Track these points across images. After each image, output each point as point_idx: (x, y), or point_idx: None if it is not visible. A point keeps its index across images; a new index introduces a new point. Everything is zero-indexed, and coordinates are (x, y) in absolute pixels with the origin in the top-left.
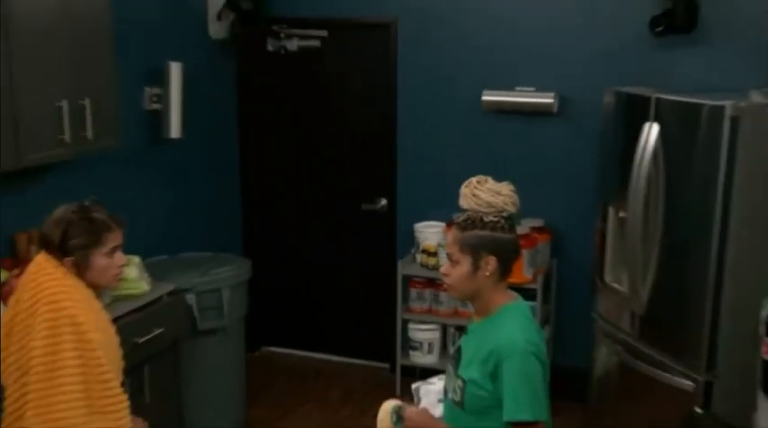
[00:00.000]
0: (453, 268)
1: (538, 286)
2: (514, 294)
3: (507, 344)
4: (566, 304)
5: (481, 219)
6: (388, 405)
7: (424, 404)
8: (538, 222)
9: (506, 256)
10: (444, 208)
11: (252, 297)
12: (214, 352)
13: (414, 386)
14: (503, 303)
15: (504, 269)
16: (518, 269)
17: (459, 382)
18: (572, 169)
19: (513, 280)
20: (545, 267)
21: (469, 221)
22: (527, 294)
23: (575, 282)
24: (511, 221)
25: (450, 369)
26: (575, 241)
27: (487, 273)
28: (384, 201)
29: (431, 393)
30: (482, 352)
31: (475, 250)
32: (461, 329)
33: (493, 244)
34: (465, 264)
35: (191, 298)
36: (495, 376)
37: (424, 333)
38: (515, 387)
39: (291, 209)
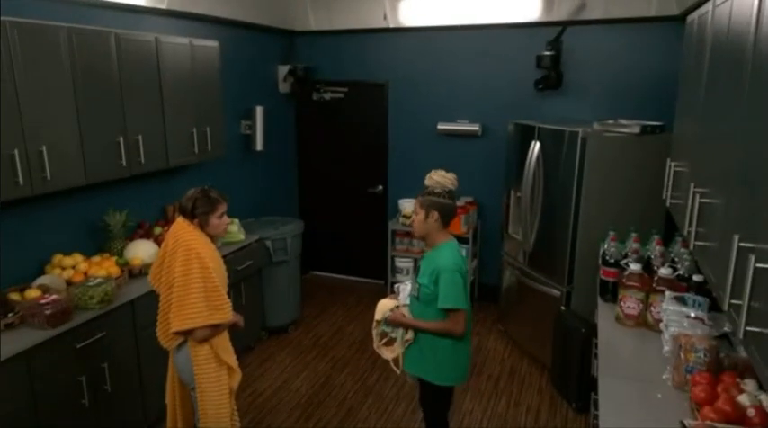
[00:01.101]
0: (416, 217)
1: (470, 236)
2: (450, 236)
3: (442, 264)
4: (486, 246)
5: (433, 191)
6: (389, 303)
7: (401, 297)
8: (470, 199)
9: (445, 213)
10: (417, 190)
11: (304, 242)
12: (282, 275)
13: (396, 285)
14: (442, 241)
15: (444, 220)
16: (458, 226)
17: (417, 285)
18: (490, 168)
19: (455, 232)
20: (474, 225)
21: (427, 192)
22: (464, 241)
23: (491, 234)
24: (451, 193)
25: (413, 277)
26: (492, 209)
27: (434, 220)
28: (380, 187)
29: (405, 289)
30: (429, 268)
31: (427, 207)
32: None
33: (438, 205)
34: (421, 215)
35: (268, 243)
36: (436, 282)
37: (403, 263)
38: (445, 289)
39: (325, 191)
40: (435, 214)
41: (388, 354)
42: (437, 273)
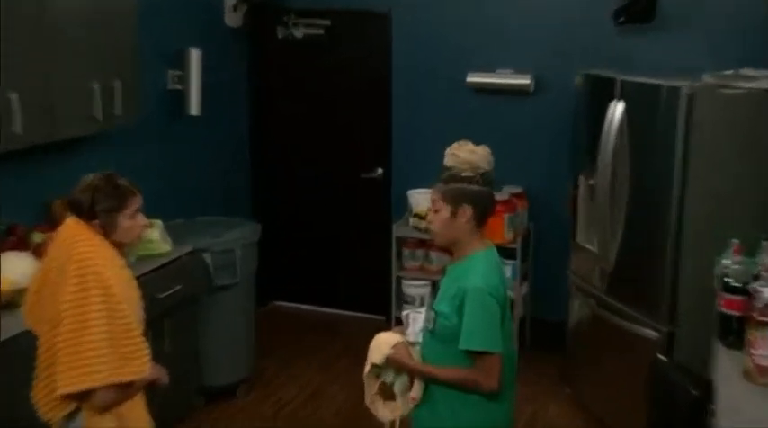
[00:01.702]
0: (436, 215)
1: (517, 246)
2: (488, 243)
3: (471, 283)
4: (542, 263)
5: (460, 175)
6: (390, 338)
7: (411, 331)
8: (517, 189)
9: (481, 206)
10: (435, 175)
11: (261, 256)
12: (228, 306)
13: (404, 313)
14: (475, 250)
15: (480, 218)
16: (499, 230)
17: (433, 313)
18: (547, 142)
19: (494, 240)
20: (523, 229)
21: (450, 176)
22: (507, 253)
23: (550, 243)
24: (487, 177)
25: (430, 302)
26: (550, 206)
27: (464, 220)
28: (380, 170)
29: (418, 320)
30: (452, 289)
31: (453, 199)
32: None
33: (469, 194)
34: (445, 212)
35: (207, 258)
36: (460, 310)
37: (416, 288)
38: (471, 321)
39: (297, 178)
40: (468, 209)
41: (386, 413)
42: (462, 296)
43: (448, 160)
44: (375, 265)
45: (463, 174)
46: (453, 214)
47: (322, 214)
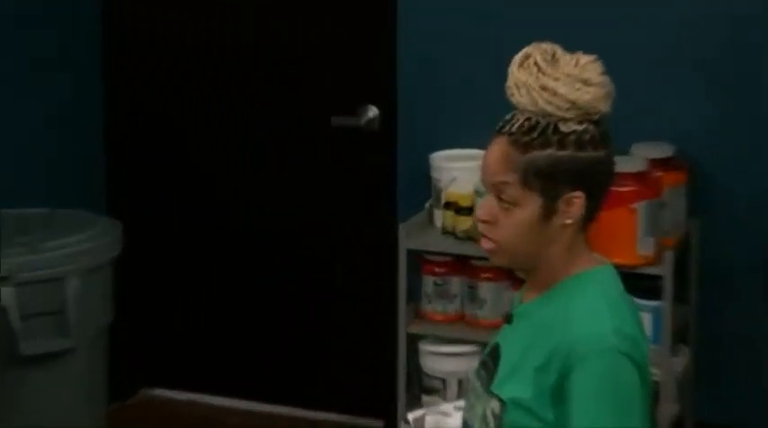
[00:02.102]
0: (507, 213)
1: (665, 271)
2: (597, 257)
3: (583, 338)
4: (718, 306)
5: (556, 127)
6: None
7: None
8: (662, 150)
9: (597, 190)
10: (487, 121)
11: (123, 294)
12: (51, 394)
13: (412, 416)
14: (577, 271)
15: (594, 209)
16: (624, 237)
17: (495, 405)
18: (725, 53)
19: (611, 257)
20: (678, 236)
21: (538, 131)
22: (643, 287)
23: (735, 264)
24: (603, 126)
25: (476, 384)
26: (732, 185)
27: (568, 220)
28: (374, 111)
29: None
30: (536, 351)
31: (550, 181)
32: None
33: (579, 169)
34: (530, 207)
35: (7, 295)
36: (559, 395)
37: (449, 361)
38: (594, 412)
39: (197, 136)
40: (578, 199)
41: None
42: (564, 365)
43: (525, 97)
44: (362, 311)
45: (563, 126)
46: (548, 211)
47: (249, 206)
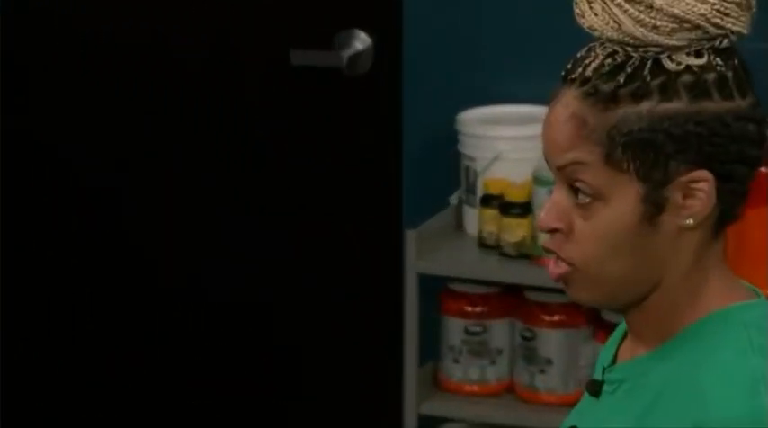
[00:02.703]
0: (587, 214)
1: None
2: (742, 283)
3: (730, 421)
4: None
5: (657, 64)
6: None
7: None
8: None
9: (737, 164)
10: (551, 58)
11: (15, 320)
12: None
13: None
14: (711, 308)
15: (733, 201)
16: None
17: None
18: None
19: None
20: None
21: (626, 72)
22: None
23: None
24: (737, 59)
25: None
26: None
27: (689, 220)
28: (363, 41)
29: None
30: None
31: (652, 155)
32: None
33: (702, 132)
34: (624, 201)
35: None
36: None
37: None
38: None
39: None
40: (706, 181)
41: None
42: None
43: (596, 14)
44: (351, 382)
45: (664, 59)
46: (652, 203)
47: (160, 206)
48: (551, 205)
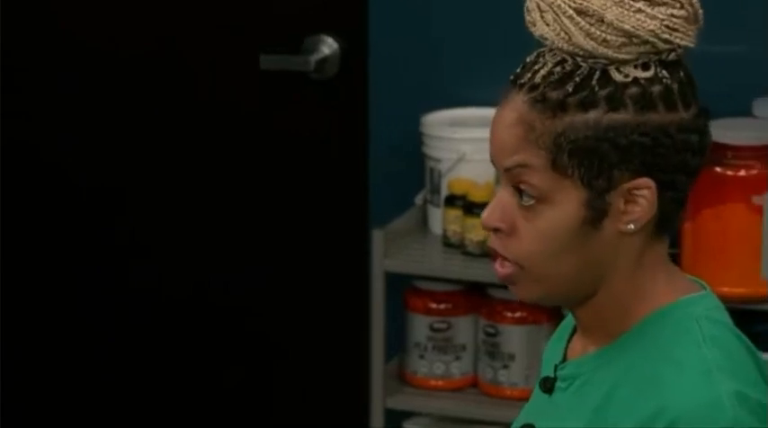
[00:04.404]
0: (532, 215)
1: None
2: (686, 278)
3: (688, 409)
4: None
5: (605, 75)
6: None
7: None
8: None
9: (678, 174)
10: (512, 62)
11: (16, 322)
12: None
13: None
14: (659, 304)
15: (672, 208)
16: (745, 256)
17: None
18: None
19: (727, 286)
20: None
21: (575, 81)
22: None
23: None
24: (683, 72)
25: None
26: None
27: (630, 226)
28: (330, 45)
29: None
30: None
31: (597, 163)
32: None
33: (646, 142)
34: (567, 204)
35: None
36: None
37: None
38: None
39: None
40: (648, 188)
41: None
42: None
43: (547, 24)
44: (318, 375)
45: (612, 70)
46: (596, 208)
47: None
48: (495, 205)
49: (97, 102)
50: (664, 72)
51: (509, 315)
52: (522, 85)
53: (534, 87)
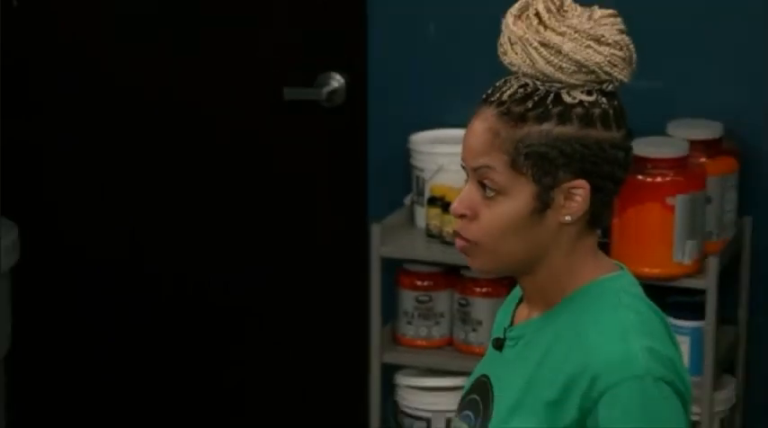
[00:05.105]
0: (490, 205)
1: (708, 283)
2: (610, 261)
3: (608, 364)
4: None
5: (558, 96)
6: None
7: None
8: (706, 130)
9: (607, 180)
10: (481, 93)
11: (22, 314)
12: None
13: None
14: (589, 278)
15: (601, 207)
16: (656, 241)
17: None
18: None
19: (646, 267)
20: (726, 239)
21: (533, 100)
22: (681, 301)
23: None
24: (617, 101)
25: (463, 424)
26: None
27: (567, 217)
28: (337, 80)
29: None
30: (545, 383)
31: (546, 165)
32: None
33: (585, 152)
34: (520, 197)
35: None
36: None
37: (433, 397)
38: None
39: (104, 128)
40: (582, 189)
41: None
42: (585, 396)
43: (520, 55)
44: (326, 337)
45: (567, 96)
46: (542, 203)
47: (177, 204)
48: (463, 196)
49: (129, 127)
50: (603, 99)
51: (477, 290)
52: (491, 102)
53: (501, 103)
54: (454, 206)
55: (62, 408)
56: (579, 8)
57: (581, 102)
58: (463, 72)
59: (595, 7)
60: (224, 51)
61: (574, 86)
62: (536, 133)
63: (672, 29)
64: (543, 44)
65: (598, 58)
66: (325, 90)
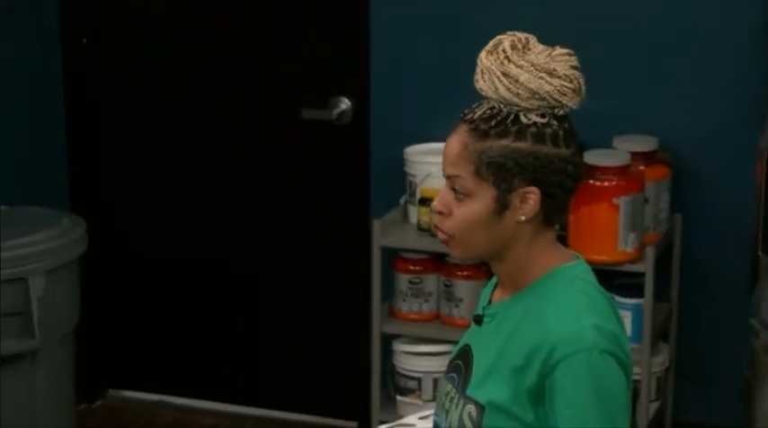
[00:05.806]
0: (460, 205)
1: (646, 268)
2: (568, 252)
3: (563, 337)
4: (700, 303)
5: (516, 117)
6: None
7: None
8: (644, 143)
9: (557, 188)
10: (455, 112)
11: (89, 293)
12: (16, 397)
13: None
14: (549, 267)
15: (553, 209)
16: (606, 233)
17: (472, 409)
18: (711, 41)
19: (597, 255)
20: (661, 232)
21: (496, 119)
22: (624, 282)
23: (718, 261)
24: (568, 124)
25: (449, 389)
26: (717, 180)
27: (522, 217)
28: (346, 103)
29: None
30: (513, 352)
31: (504, 173)
32: None
33: (536, 164)
34: (483, 199)
35: None
36: (538, 396)
37: (424, 360)
38: (580, 413)
39: (160, 135)
40: (533, 195)
41: None
42: (543, 366)
43: (489, 84)
44: (335, 311)
45: (524, 117)
46: (501, 204)
47: (219, 202)
48: (440, 197)
49: (164, 141)
50: (554, 121)
51: (459, 273)
52: (466, 120)
53: (472, 121)
54: (434, 204)
55: (119, 372)
56: (541, 47)
57: (535, 122)
58: (449, 96)
59: (557, 47)
60: (255, 80)
61: (529, 110)
62: (497, 147)
63: (620, 59)
64: (505, 74)
65: (549, 88)
66: (336, 111)
